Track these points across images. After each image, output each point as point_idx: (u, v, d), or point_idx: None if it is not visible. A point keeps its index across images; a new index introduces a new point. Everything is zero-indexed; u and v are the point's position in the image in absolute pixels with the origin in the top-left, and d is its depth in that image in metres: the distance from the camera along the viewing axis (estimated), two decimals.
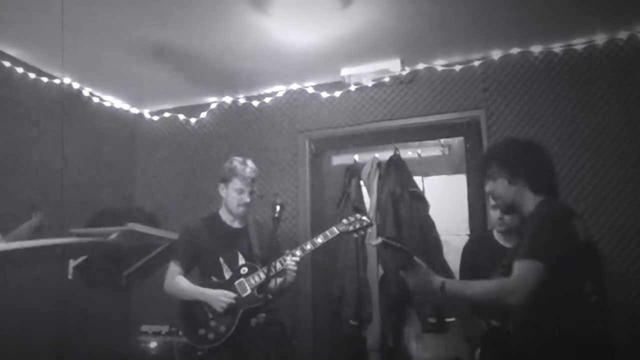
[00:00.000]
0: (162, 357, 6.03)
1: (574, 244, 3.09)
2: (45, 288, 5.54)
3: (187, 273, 4.74)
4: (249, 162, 4.79)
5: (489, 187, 3.47)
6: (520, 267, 3.01)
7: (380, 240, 3.27)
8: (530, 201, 3.32)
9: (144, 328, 6.22)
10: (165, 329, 6.11)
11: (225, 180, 4.79)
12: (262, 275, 4.42)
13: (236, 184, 4.71)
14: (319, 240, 4.57)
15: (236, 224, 4.86)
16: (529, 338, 3.20)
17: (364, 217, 4.73)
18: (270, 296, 4.17)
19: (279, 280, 4.49)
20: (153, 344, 6.09)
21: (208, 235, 4.80)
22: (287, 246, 5.54)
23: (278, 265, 4.39)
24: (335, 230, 4.62)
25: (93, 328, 6.16)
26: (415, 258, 3.34)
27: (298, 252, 4.52)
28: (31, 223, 5.05)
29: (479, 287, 3.26)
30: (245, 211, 4.80)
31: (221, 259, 4.68)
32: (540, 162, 3.41)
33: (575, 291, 3.06)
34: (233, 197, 4.74)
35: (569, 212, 3.29)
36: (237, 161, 4.78)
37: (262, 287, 4.37)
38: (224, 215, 4.89)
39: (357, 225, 4.68)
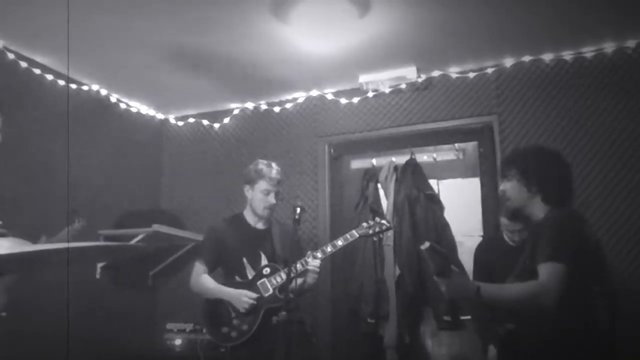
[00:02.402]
0: (186, 354, 6.07)
1: (586, 247, 3.17)
2: (75, 288, 5.66)
3: (211, 272, 4.78)
4: (274, 165, 4.82)
5: (503, 186, 3.52)
6: (547, 270, 3.06)
7: (428, 244, 3.34)
8: (539, 210, 3.37)
9: (169, 326, 6.26)
10: (189, 326, 6.14)
11: (251, 182, 4.80)
12: (284, 276, 4.46)
13: (262, 185, 4.73)
14: (340, 242, 4.60)
15: (260, 225, 4.88)
16: (540, 338, 3.26)
17: (383, 221, 4.77)
18: (291, 296, 4.22)
19: (300, 280, 4.58)
20: (178, 341, 6.13)
21: (232, 236, 4.83)
22: (307, 247, 5.59)
23: (299, 267, 4.46)
24: (355, 233, 4.66)
25: (120, 326, 6.25)
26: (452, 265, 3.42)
27: (319, 254, 4.56)
28: (74, 227, 5.16)
29: (513, 290, 3.25)
30: (270, 213, 4.82)
31: (244, 260, 4.72)
32: (558, 176, 3.43)
33: (584, 293, 3.14)
34: (259, 199, 4.76)
35: (580, 218, 3.37)
36: (262, 164, 4.80)
37: (283, 287, 4.41)
38: (248, 216, 4.91)
39: (377, 229, 4.73)
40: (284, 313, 3.87)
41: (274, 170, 4.77)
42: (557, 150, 3.73)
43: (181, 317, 6.26)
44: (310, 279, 4.61)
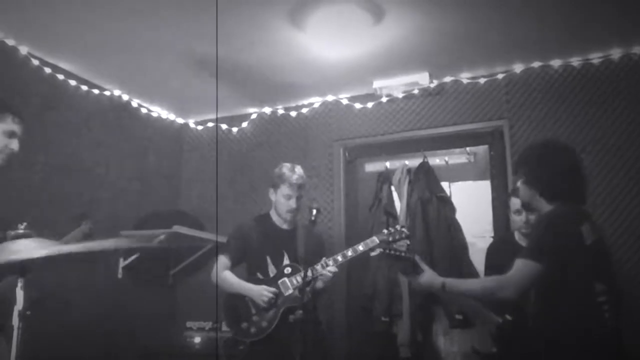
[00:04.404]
0: (205, 351, 6.17)
1: (577, 247, 3.22)
2: (97, 287, 5.75)
3: (234, 267, 4.90)
4: (297, 169, 4.89)
5: (518, 184, 3.65)
6: (517, 266, 3.20)
7: (378, 251, 3.50)
8: (543, 205, 3.45)
9: (189, 324, 6.36)
10: (208, 325, 6.26)
11: (275, 186, 4.91)
12: (305, 275, 4.48)
13: (284, 190, 4.82)
14: (360, 248, 4.68)
15: (285, 226, 4.99)
16: (541, 334, 3.33)
17: (403, 229, 4.82)
18: (309, 296, 4.37)
19: (319, 282, 4.67)
20: (197, 339, 6.24)
21: (258, 234, 4.94)
22: (327, 248, 5.69)
23: (319, 269, 4.56)
24: (375, 240, 4.71)
25: (141, 324, 6.33)
26: (417, 259, 3.56)
27: (339, 258, 4.65)
28: (81, 230, 5.18)
29: (475, 284, 3.44)
30: (292, 216, 4.92)
31: (268, 258, 4.83)
32: (560, 172, 3.45)
33: (583, 291, 3.19)
34: (282, 203, 4.87)
35: (577, 217, 3.36)
36: (286, 167, 4.88)
37: (303, 287, 4.43)
38: (274, 216, 5.03)
39: (397, 237, 4.77)
40: (300, 312, 4.03)
41: (296, 175, 4.84)
42: (564, 145, 3.79)
43: (200, 315, 6.35)
44: (321, 283, 4.69)
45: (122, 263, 6.37)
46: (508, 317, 4.29)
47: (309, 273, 4.52)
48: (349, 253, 4.70)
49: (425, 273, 3.57)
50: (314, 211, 4.25)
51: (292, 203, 4.85)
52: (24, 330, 2.61)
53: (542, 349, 3.31)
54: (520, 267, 3.21)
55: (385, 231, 4.86)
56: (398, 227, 4.89)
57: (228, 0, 4.69)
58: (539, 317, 3.39)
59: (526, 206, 3.75)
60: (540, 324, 3.38)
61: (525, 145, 5.68)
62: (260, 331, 4.62)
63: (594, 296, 3.19)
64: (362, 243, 4.73)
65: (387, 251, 3.69)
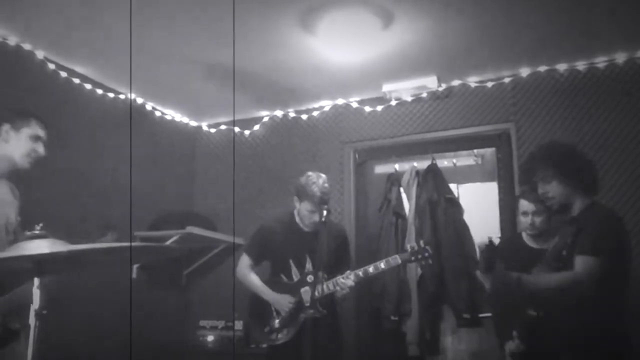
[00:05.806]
0: (217, 350, 6.32)
1: (626, 246, 3.34)
2: (112, 286, 5.83)
3: (256, 265, 4.99)
4: (322, 181, 4.71)
5: (542, 189, 3.60)
6: (586, 262, 3.22)
7: (488, 240, 3.54)
8: (579, 202, 3.48)
9: (202, 323, 6.51)
10: (221, 324, 6.39)
11: (299, 197, 4.79)
12: (326, 287, 4.55)
13: (307, 206, 4.69)
14: (382, 265, 4.69)
15: (308, 228, 4.89)
16: (576, 332, 3.37)
17: (427, 247, 4.76)
18: (325, 311, 4.48)
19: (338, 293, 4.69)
20: (210, 338, 6.39)
21: (281, 234, 4.94)
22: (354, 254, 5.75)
23: (341, 282, 4.60)
24: (398, 259, 4.72)
25: (156, 323, 6.42)
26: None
27: (360, 274, 4.67)
28: (105, 240, 5.15)
29: (552, 279, 3.39)
30: (315, 226, 4.70)
31: (291, 260, 4.86)
32: (587, 164, 3.56)
33: (620, 292, 3.30)
34: (305, 215, 4.78)
35: (619, 217, 3.49)
36: (310, 180, 4.70)
37: (323, 299, 4.51)
38: (297, 218, 4.96)
39: (419, 256, 4.72)
40: (310, 311, 4.12)
41: (320, 192, 4.64)
42: (572, 143, 3.85)
43: (213, 314, 6.48)
44: (340, 294, 4.69)
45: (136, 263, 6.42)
46: (532, 312, 4.32)
47: (331, 286, 4.62)
48: (370, 270, 4.71)
49: (499, 271, 3.63)
50: (324, 212, 4.32)
51: (315, 217, 4.66)
52: (40, 329, 2.63)
53: (576, 347, 3.36)
54: (591, 264, 3.24)
55: (408, 248, 4.86)
56: (422, 243, 4.84)
57: (241, 4, 4.76)
58: (575, 314, 3.41)
59: (563, 207, 3.64)
60: (576, 321, 3.41)
61: (533, 148, 5.66)
62: (281, 337, 4.73)
63: (626, 298, 3.29)
64: (384, 261, 4.74)
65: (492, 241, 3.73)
